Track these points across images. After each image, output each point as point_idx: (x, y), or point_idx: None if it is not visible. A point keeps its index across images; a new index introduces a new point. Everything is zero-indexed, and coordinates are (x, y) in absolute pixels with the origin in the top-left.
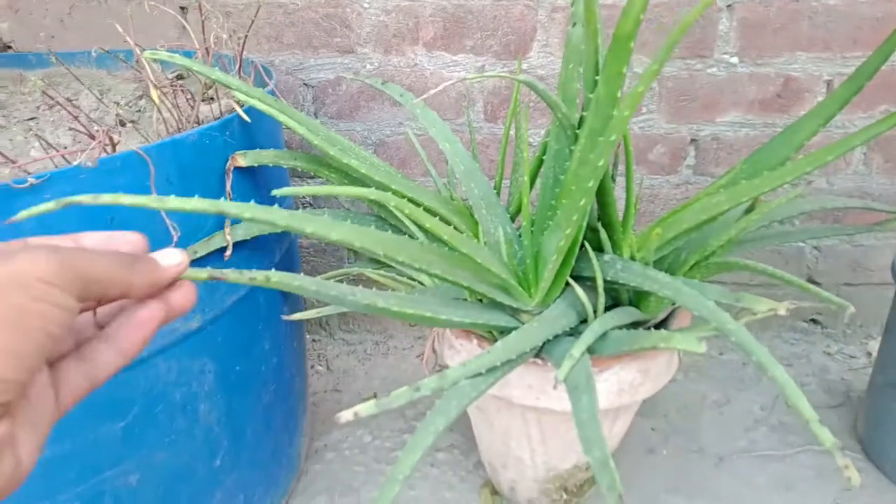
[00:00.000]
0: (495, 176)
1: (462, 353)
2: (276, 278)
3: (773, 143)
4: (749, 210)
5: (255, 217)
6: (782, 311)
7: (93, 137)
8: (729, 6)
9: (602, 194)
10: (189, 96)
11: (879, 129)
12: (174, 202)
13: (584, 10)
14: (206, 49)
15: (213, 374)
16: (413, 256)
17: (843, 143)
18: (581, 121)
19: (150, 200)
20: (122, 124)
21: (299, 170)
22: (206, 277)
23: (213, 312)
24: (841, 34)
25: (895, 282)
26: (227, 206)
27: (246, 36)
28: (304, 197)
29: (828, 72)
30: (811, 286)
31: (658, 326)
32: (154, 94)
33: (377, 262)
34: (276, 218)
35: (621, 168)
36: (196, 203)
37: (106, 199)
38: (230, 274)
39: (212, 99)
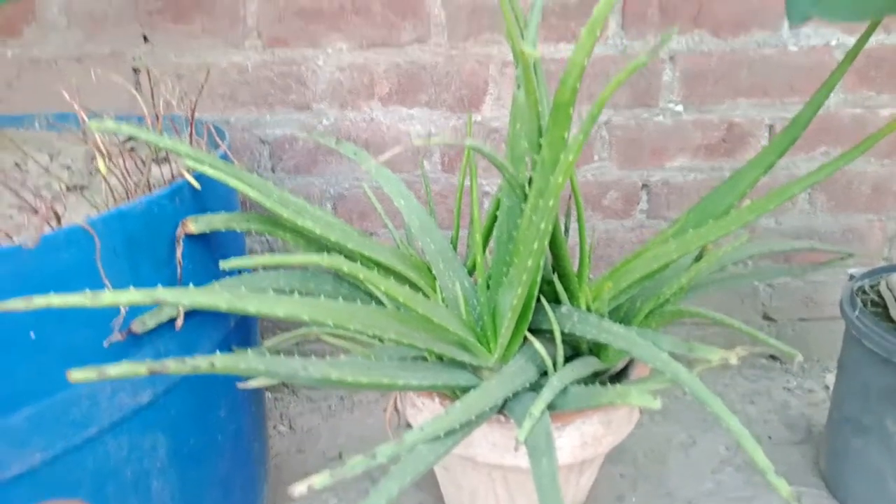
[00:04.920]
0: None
1: (424, 412)
2: (221, 363)
3: (719, 191)
4: (699, 258)
5: (195, 303)
6: (734, 360)
7: (35, 212)
8: (671, 58)
9: (555, 247)
10: (140, 161)
11: (816, 178)
12: (108, 297)
13: (524, 79)
14: (156, 114)
15: (166, 448)
16: (364, 323)
17: (783, 191)
18: (531, 181)
19: (83, 299)
20: (71, 189)
21: (253, 232)
22: (145, 372)
23: (164, 385)
24: (778, 81)
25: (844, 319)
26: (163, 294)
27: (196, 100)
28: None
29: (769, 116)
30: (759, 334)
31: (618, 375)
32: (100, 163)
33: None
34: (218, 302)
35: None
36: (131, 296)
37: (39, 301)
38: (171, 365)
39: (166, 160)
